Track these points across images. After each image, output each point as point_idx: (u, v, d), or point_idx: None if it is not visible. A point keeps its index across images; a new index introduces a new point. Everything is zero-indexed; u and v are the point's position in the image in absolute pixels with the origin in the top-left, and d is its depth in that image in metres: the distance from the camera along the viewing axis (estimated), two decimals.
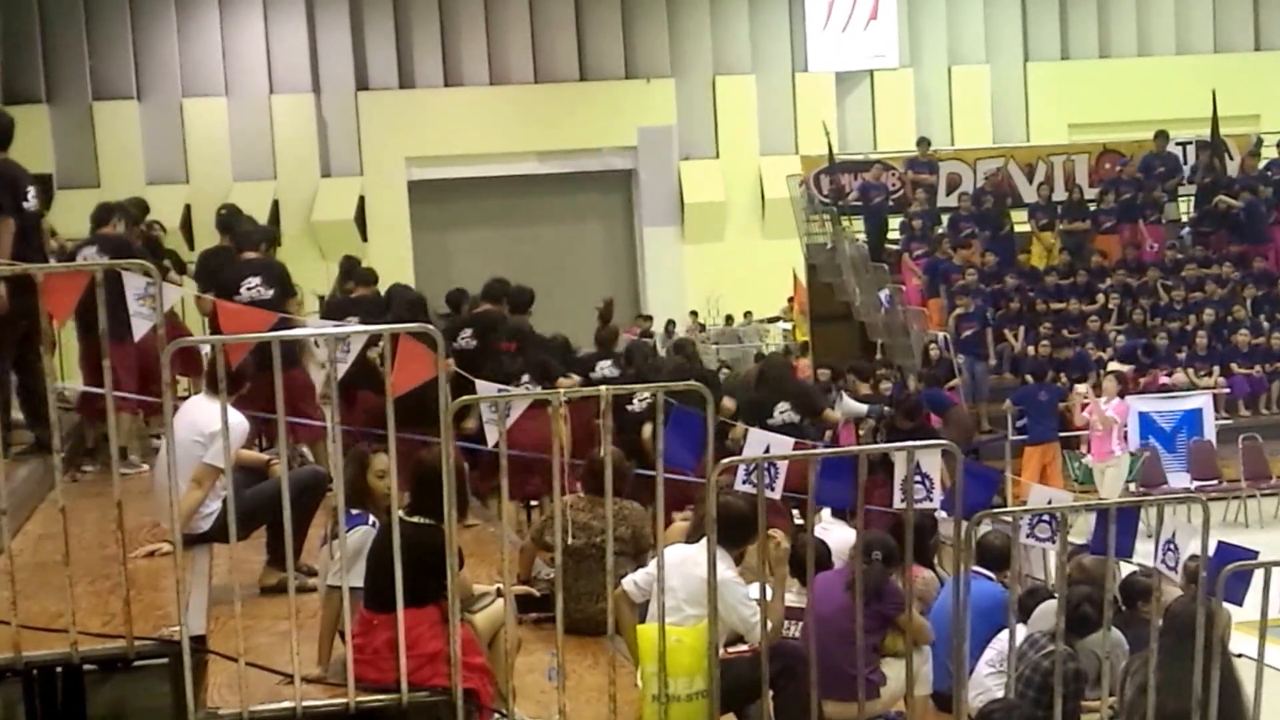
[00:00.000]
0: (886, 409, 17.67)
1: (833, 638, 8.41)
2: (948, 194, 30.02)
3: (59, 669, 7.37)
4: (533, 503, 14.08)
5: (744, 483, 9.88)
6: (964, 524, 7.52)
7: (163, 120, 39.09)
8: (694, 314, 38.65)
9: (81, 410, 12.59)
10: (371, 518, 7.57)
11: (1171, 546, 8.06)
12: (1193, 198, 29.87)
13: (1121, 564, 9.61)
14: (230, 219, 14.61)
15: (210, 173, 38.37)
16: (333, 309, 13.98)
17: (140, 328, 7.98)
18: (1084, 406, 21.44)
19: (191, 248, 23.82)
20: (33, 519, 9.84)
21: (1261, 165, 30.06)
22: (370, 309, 13.72)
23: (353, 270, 15.94)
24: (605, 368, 14.79)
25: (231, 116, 39.57)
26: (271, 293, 12.45)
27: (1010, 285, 27.08)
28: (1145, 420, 23.57)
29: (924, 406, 18.55)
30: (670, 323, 37.45)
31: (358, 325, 11.82)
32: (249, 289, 12.44)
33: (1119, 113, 38.12)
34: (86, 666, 7.30)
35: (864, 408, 18.22)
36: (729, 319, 38.57)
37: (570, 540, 9.27)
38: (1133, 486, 22.11)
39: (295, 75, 39.98)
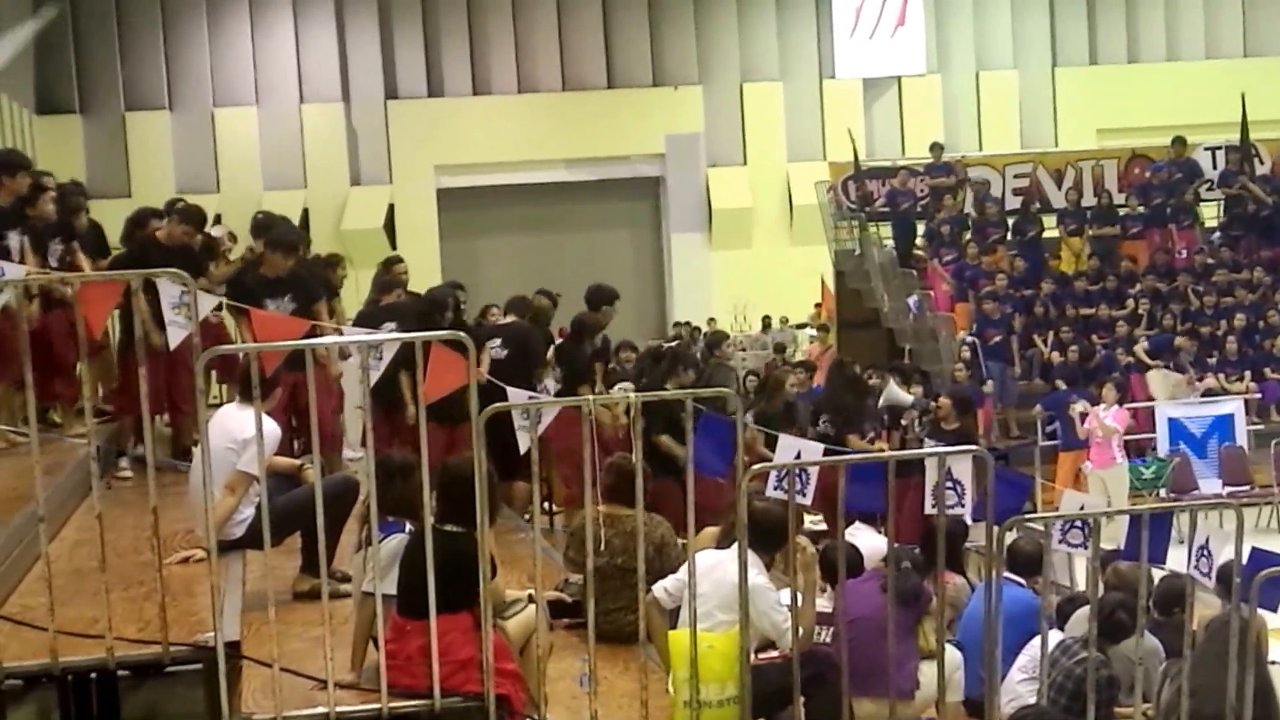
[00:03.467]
0: (932, 402, 17.68)
1: (870, 637, 8.41)
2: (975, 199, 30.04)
3: (94, 675, 7.40)
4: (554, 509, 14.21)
5: (775, 489, 9.91)
6: (995, 530, 7.51)
7: (194, 130, 39.29)
8: (712, 321, 38.49)
9: (124, 413, 12.52)
10: (408, 525, 7.58)
11: (1205, 552, 8.05)
12: (1221, 202, 29.79)
13: (1155, 570, 9.60)
14: (265, 226, 14.57)
15: (241, 182, 38.55)
16: (365, 317, 13.93)
17: (176, 336, 8.03)
18: (1084, 418, 21.35)
19: None
20: (68, 525, 9.89)
21: None
22: (403, 315, 13.67)
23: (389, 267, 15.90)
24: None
25: (262, 126, 39.75)
26: (294, 307, 12.39)
27: (1039, 291, 27.04)
28: (1176, 426, 23.50)
29: (974, 403, 18.55)
30: (696, 329, 37.38)
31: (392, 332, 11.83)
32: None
33: (1148, 118, 38.03)
34: (121, 672, 7.33)
35: (909, 398, 18.24)
36: (765, 324, 38.41)
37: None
38: (1163, 492, 22.04)
39: (325, 84, 40.14)
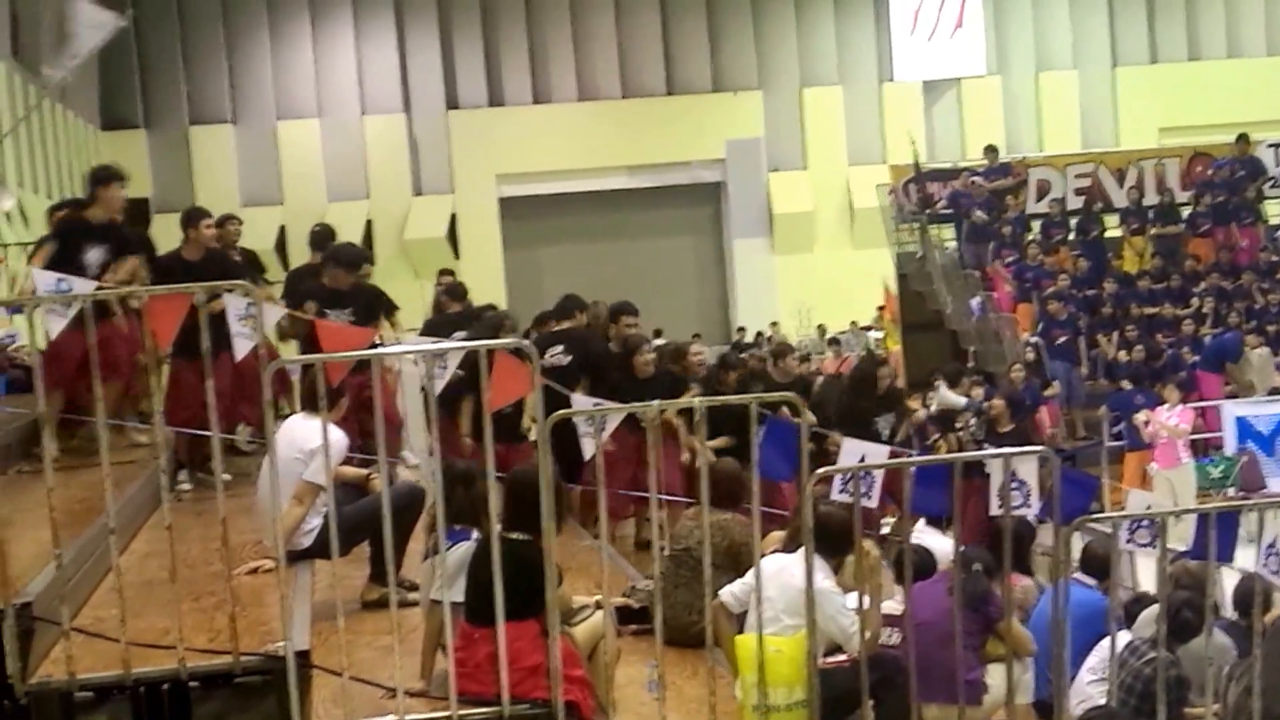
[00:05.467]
0: (986, 404, 17.59)
1: (936, 641, 8.39)
2: (1037, 200, 29.98)
3: (166, 685, 7.44)
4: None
5: (840, 492, 9.89)
6: (1062, 531, 7.48)
7: (257, 143, 39.60)
8: (775, 325, 38.45)
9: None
10: (474, 533, 7.61)
11: (1274, 551, 7.99)
12: None
13: (1226, 570, 9.52)
14: (323, 237, 14.69)
15: (304, 193, 38.81)
16: (432, 327, 14.02)
17: (242, 348, 8.09)
18: (1146, 424, 21.24)
19: (286, 268, 24.03)
20: (138, 537, 9.96)
21: None
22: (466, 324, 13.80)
23: (450, 289, 15.97)
24: None
25: (324, 138, 40.01)
26: (353, 320, 12.44)
27: (1102, 291, 26.92)
28: (1243, 424, 23.34)
29: (1028, 404, 18.41)
30: (760, 334, 37.41)
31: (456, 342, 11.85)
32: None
33: (1210, 116, 37.78)
34: (192, 683, 7.37)
35: (961, 400, 18.16)
36: (821, 331, 38.36)
37: (672, 547, 9.42)
38: (1232, 491, 21.88)
39: (386, 96, 40.37)
